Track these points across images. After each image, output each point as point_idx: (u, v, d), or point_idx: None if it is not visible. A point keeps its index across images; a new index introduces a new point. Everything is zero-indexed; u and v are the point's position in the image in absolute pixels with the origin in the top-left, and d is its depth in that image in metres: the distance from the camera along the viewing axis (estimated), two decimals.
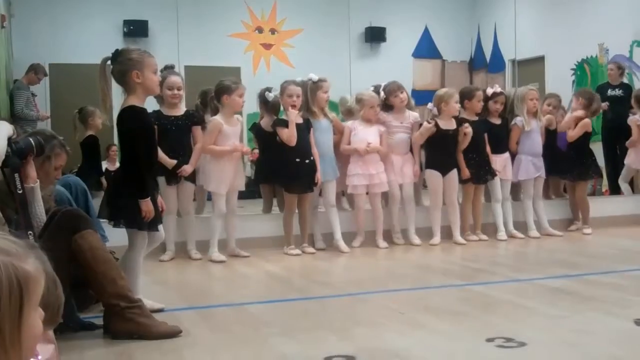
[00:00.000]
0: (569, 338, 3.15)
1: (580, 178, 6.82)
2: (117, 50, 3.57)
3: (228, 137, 5.52)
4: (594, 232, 6.63)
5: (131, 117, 3.54)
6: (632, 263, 5.11)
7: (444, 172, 6.15)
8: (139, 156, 3.57)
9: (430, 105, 6.28)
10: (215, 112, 5.76)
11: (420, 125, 6.21)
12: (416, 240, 6.17)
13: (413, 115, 6.35)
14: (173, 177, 5.46)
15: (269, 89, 6.10)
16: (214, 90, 5.61)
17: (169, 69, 5.59)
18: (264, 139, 6.23)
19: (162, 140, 5.24)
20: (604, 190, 7.92)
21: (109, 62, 3.57)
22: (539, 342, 3.07)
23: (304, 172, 5.72)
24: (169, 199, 5.31)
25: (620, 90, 8.21)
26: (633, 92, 8.00)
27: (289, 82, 5.77)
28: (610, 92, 8.26)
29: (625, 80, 9.17)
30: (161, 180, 5.31)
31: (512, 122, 6.53)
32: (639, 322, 3.34)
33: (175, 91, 5.41)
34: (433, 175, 6.18)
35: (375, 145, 5.99)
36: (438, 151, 6.16)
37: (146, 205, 3.55)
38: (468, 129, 6.09)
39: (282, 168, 5.76)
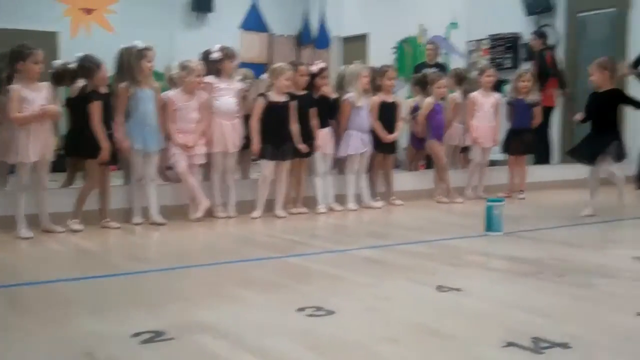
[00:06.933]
0: (374, 305, 3.29)
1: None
2: None
3: (31, 103, 5.11)
4: (406, 205, 6.92)
5: None
6: (438, 233, 5.41)
7: (278, 145, 6.16)
8: None
9: (265, 75, 6.33)
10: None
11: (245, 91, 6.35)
12: (233, 212, 6.20)
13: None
14: None
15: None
16: (8, 56, 5.15)
17: None
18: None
19: None
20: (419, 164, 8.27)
21: None
22: (346, 309, 3.18)
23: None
24: None
25: (436, 70, 8.60)
26: (450, 71, 8.41)
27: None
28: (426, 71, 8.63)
29: (440, 60, 9.68)
30: None
31: (343, 98, 6.64)
32: (441, 289, 3.55)
33: None
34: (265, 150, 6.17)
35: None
36: (271, 124, 6.15)
37: None
38: None
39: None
